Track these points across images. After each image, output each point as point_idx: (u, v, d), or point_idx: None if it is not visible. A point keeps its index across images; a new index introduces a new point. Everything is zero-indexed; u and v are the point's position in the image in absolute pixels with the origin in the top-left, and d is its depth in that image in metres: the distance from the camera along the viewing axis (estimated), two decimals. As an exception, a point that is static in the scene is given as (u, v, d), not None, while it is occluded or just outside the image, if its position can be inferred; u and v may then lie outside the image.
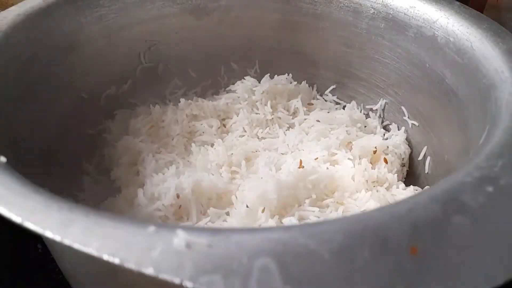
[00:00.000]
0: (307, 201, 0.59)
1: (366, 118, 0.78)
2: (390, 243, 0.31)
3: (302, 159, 0.62)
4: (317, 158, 0.64)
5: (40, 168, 0.58)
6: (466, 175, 0.36)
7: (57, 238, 0.28)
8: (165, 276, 0.26)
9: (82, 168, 0.70)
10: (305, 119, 0.76)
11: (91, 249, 0.28)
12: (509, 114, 0.45)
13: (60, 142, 0.65)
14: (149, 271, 0.27)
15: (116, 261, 0.27)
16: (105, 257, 0.27)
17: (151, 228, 0.30)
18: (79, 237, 0.29)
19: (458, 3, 0.64)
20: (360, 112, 0.79)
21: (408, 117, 0.73)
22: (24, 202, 0.33)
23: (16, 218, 0.31)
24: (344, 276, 0.29)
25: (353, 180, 0.62)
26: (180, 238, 0.29)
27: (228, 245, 0.29)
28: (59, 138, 0.65)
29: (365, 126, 0.76)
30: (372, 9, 0.73)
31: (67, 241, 0.28)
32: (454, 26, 0.61)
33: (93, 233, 0.29)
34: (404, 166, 0.71)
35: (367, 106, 0.80)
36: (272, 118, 0.76)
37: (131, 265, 0.27)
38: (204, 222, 0.56)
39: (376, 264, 0.30)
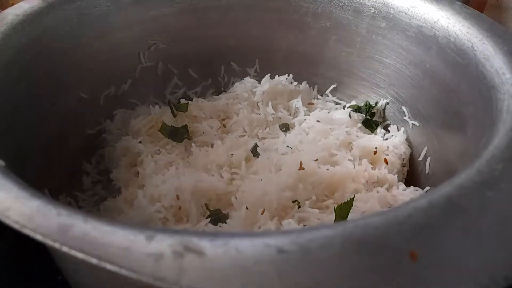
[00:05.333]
0: (307, 202, 0.59)
1: (367, 118, 0.78)
2: (390, 249, 0.31)
3: (302, 160, 0.62)
4: (317, 159, 0.64)
5: (41, 168, 0.59)
6: (466, 180, 0.36)
7: (57, 245, 0.28)
8: (163, 284, 0.26)
9: (82, 168, 0.70)
10: (305, 119, 0.76)
11: (90, 257, 0.27)
12: (510, 117, 0.45)
13: (60, 142, 0.65)
14: (146, 278, 0.27)
15: (114, 268, 0.27)
16: (104, 265, 0.27)
17: (149, 233, 0.30)
18: (78, 243, 0.29)
19: (459, 3, 0.64)
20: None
21: (409, 117, 0.73)
22: (23, 207, 0.33)
23: (14, 225, 0.30)
24: (344, 282, 0.29)
25: (353, 181, 0.62)
26: (178, 243, 0.29)
27: (228, 251, 0.29)
28: (59, 138, 0.65)
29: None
30: (373, 9, 0.72)
31: (65, 248, 0.28)
32: (455, 26, 0.61)
33: (92, 240, 0.29)
34: (404, 166, 0.71)
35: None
36: (273, 119, 0.76)
37: (128, 272, 0.27)
38: (203, 224, 0.56)
39: (376, 269, 0.30)
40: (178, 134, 0.70)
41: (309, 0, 0.77)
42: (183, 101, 0.75)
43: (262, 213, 0.56)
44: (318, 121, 0.74)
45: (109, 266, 0.27)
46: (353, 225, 0.31)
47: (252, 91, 0.78)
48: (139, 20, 0.75)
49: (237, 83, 0.81)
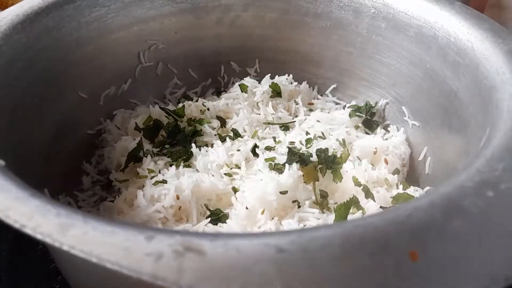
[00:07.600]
0: (307, 202, 0.59)
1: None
2: (390, 248, 0.31)
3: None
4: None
5: (40, 168, 0.59)
6: (467, 180, 0.35)
7: (56, 244, 0.28)
8: (163, 284, 0.26)
9: (82, 168, 0.70)
10: (305, 119, 0.76)
11: (90, 256, 0.27)
12: (510, 116, 0.45)
13: (59, 142, 0.65)
14: (147, 278, 0.27)
15: (115, 268, 0.27)
16: (104, 264, 0.27)
17: (149, 233, 0.30)
18: (78, 243, 0.29)
19: (459, 3, 0.64)
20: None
21: (409, 117, 0.73)
22: (23, 206, 0.33)
23: (14, 224, 0.30)
24: (344, 282, 0.29)
25: (353, 181, 0.62)
26: (178, 243, 0.29)
27: (228, 251, 0.29)
28: (59, 138, 0.65)
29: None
30: (373, 9, 0.72)
31: (65, 247, 0.28)
32: (455, 26, 0.61)
33: (92, 239, 0.29)
34: (404, 166, 0.71)
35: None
36: (273, 119, 0.76)
37: (129, 271, 0.27)
38: (203, 224, 0.56)
39: (376, 269, 0.30)
40: (178, 134, 0.70)
41: (309, 0, 0.77)
42: (182, 101, 0.75)
43: (262, 213, 0.56)
44: (318, 121, 0.74)
45: (109, 266, 0.27)
46: (353, 225, 0.31)
47: (252, 91, 0.78)
48: (139, 20, 0.75)
49: (237, 83, 0.81)
